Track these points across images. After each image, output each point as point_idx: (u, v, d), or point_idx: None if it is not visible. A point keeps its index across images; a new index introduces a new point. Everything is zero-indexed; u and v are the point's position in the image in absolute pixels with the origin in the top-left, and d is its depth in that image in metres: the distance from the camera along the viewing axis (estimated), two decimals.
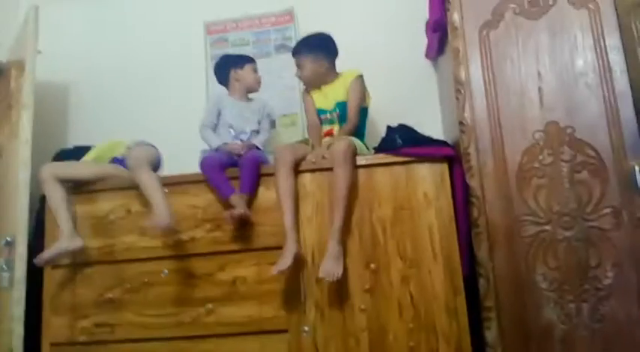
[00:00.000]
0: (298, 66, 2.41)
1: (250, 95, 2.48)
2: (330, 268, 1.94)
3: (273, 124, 2.50)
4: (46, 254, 2.06)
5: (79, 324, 2.15)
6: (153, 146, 2.36)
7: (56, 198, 2.13)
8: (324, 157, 2.17)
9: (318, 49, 2.38)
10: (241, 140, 2.33)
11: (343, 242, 2.04)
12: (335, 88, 2.38)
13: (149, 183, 2.09)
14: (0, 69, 2.67)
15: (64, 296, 2.17)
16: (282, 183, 2.08)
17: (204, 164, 2.18)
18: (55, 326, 2.15)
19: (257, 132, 2.40)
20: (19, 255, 2.14)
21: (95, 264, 2.19)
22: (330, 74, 2.41)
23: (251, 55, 2.58)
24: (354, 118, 2.31)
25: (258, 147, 2.34)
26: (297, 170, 2.14)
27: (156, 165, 2.30)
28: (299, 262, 2.04)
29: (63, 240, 2.07)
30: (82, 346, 2.13)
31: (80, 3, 3.06)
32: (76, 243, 2.09)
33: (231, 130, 2.35)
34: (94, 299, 2.16)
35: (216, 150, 2.29)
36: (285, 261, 1.95)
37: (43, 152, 2.45)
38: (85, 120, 2.88)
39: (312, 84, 2.43)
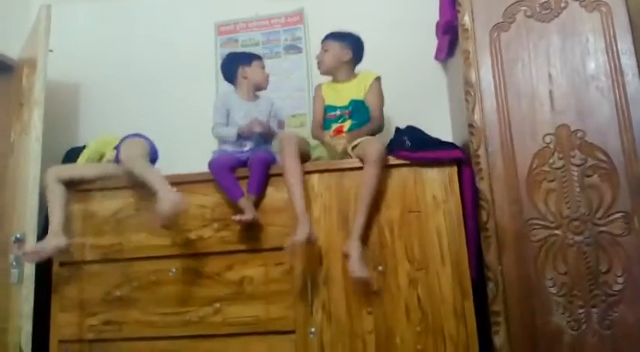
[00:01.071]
0: (324, 49, 2.41)
1: (257, 93, 2.47)
2: (358, 269, 1.93)
3: (280, 125, 2.50)
4: (29, 248, 2.11)
5: (87, 322, 2.16)
6: (143, 137, 2.37)
7: (55, 197, 2.17)
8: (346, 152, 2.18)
9: (349, 42, 2.41)
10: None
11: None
12: (352, 86, 2.38)
13: (145, 172, 2.09)
14: (12, 67, 2.70)
15: (73, 294, 2.19)
16: (288, 166, 2.07)
17: (213, 165, 2.19)
18: (63, 324, 2.16)
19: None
20: None
21: (103, 262, 2.20)
22: (348, 71, 2.42)
23: (261, 55, 2.57)
24: (379, 118, 2.31)
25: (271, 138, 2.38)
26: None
27: (150, 157, 2.32)
28: (314, 240, 2.01)
29: (48, 238, 2.10)
30: (90, 344, 2.14)
31: (92, 2, 3.07)
32: (60, 242, 2.11)
33: None
34: (102, 297, 2.17)
35: (239, 136, 2.29)
36: (300, 236, 1.93)
37: (53, 149, 2.48)
38: (95, 118, 2.90)
39: (329, 69, 2.42)
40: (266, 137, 2.35)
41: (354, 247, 1.97)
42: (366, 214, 2.01)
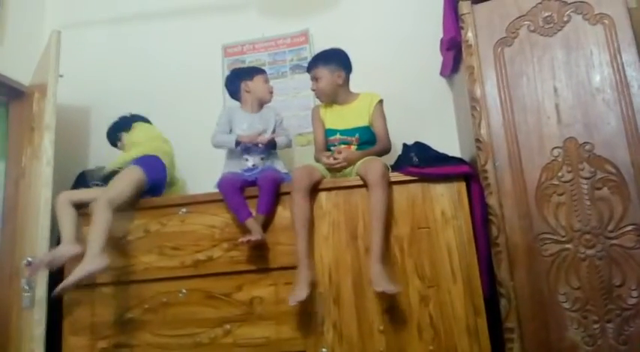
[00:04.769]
0: (315, 78, 2.36)
1: (263, 107, 2.46)
2: (383, 285, 1.89)
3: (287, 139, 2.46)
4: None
5: (98, 345, 2.16)
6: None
7: (66, 216, 2.20)
8: (335, 157, 2.19)
9: (336, 61, 2.36)
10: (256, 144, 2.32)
11: (361, 261, 2.05)
12: (353, 109, 2.35)
13: (96, 224, 2.07)
14: (23, 92, 2.74)
15: (83, 317, 2.19)
16: (297, 208, 2.06)
17: (222, 184, 2.19)
18: (74, 347, 2.16)
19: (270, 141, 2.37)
20: (40, 275, 2.16)
21: (114, 284, 2.20)
22: (346, 91, 2.38)
23: (264, 69, 2.58)
24: (386, 142, 2.29)
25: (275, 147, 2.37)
26: (315, 190, 2.14)
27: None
28: (315, 284, 2.03)
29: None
30: None
31: (101, 27, 3.13)
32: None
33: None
34: (112, 320, 2.17)
35: (237, 145, 2.29)
36: (301, 292, 1.93)
37: (64, 173, 2.50)
38: (106, 141, 2.90)
39: (328, 97, 2.38)
40: (268, 148, 2.34)
41: (375, 269, 1.93)
42: (382, 235, 1.98)
